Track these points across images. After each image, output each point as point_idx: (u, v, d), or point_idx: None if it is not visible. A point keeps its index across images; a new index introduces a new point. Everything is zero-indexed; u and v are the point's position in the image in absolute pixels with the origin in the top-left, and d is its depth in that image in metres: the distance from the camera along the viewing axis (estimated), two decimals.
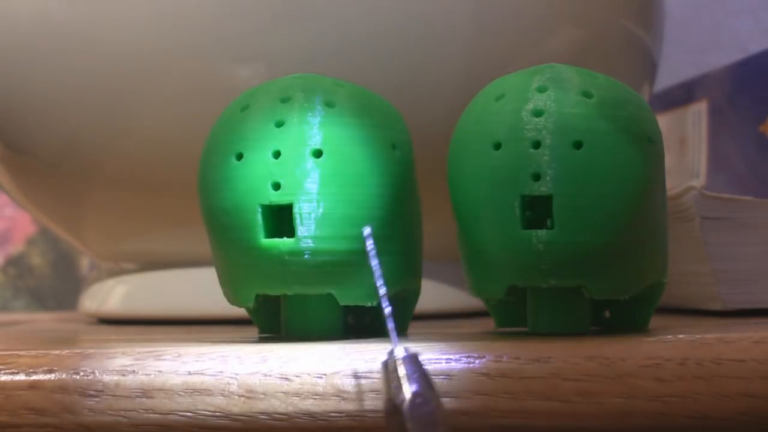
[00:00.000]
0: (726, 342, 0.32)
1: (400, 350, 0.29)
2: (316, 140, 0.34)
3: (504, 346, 0.32)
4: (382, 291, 0.31)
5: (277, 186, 0.34)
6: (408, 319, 0.37)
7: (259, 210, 0.34)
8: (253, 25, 0.45)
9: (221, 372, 0.31)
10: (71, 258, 0.82)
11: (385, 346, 0.32)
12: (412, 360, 0.29)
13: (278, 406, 0.31)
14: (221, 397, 0.31)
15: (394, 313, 0.37)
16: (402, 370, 0.29)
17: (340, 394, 0.31)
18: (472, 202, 0.34)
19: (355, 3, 0.45)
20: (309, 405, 0.31)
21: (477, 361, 0.31)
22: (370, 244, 0.32)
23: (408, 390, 0.28)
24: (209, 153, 0.35)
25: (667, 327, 0.37)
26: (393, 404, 0.28)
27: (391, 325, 0.30)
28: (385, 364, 0.29)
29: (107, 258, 0.54)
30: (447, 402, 0.31)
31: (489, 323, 0.42)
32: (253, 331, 0.39)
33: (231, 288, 0.36)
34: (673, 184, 0.59)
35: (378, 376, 0.31)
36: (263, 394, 0.31)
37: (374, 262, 0.31)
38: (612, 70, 0.43)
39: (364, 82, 0.37)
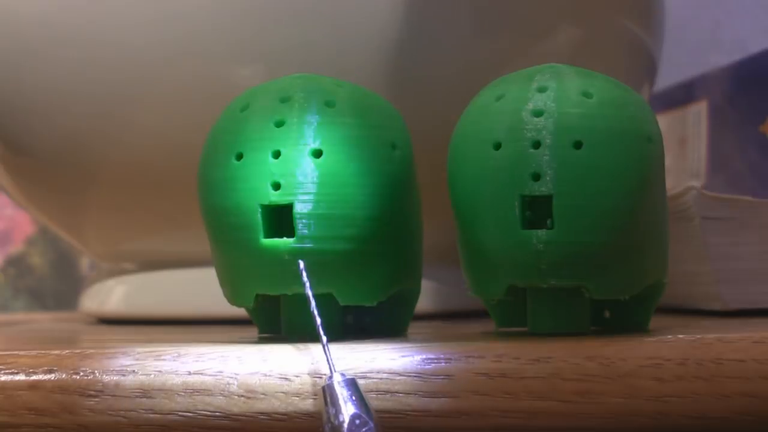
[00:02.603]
0: (726, 342, 0.32)
1: (337, 375, 0.30)
2: (316, 140, 0.34)
3: (504, 346, 0.32)
4: (318, 320, 0.31)
5: (277, 186, 0.34)
6: (408, 319, 0.37)
7: (259, 210, 0.34)
8: (253, 25, 0.45)
9: (221, 372, 0.31)
10: (71, 258, 0.82)
11: (386, 347, 0.32)
12: (350, 384, 0.30)
13: (278, 406, 0.31)
14: (221, 397, 0.31)
15: (393, 314, 0.37)
16: (340, 393, 0.30)
17: None
18: (472, 202, 0.34)
19: (354, 3, 0.45)
20: (309, 405, 0.31)
21: (477, 361, 0.31)
22: (304, 276, 0.33)
23: (347, 412, 0.29)
24: (209, 153, 0.35)
25: (667, 327, 0.37)
26: (332, 426, 0.30)
27: (328, 351, 0.31)
28: (323, 389, 0.30)
29: (107, 258, 0.54)
30: (447, 402, 0.31)
31: (489, 323, 0.42)
32: (253, 331, 0.39)
33: (231, 288, 0.36)
34: (673, 184, 0.59)
35: (378, 376, 0.31)
36: (263, 394, 0.31)
37: (309, 292, 0.33)
38: (612, 70, 0.43)
39: (364, 82, 0.37)
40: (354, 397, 0.30)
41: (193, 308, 0.49)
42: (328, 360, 0.31)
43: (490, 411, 0.31)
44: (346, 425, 0.29)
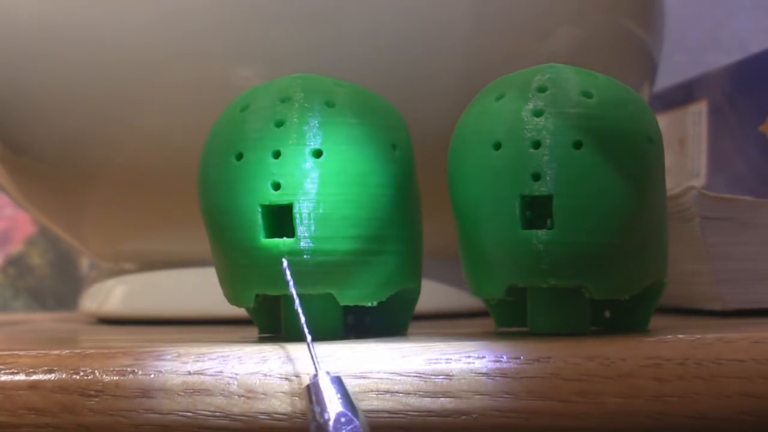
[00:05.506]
0: (726, 342, 0.32)
1: (322, 373, 0.30)
2: (316, 140, 0.34)
3: (504, 346, 0.32)
4: (302, 319, 0.32)
5: (277, 186, 0.34)
6: (408, 319, 0.37)
7: (259, 210, 0.34)
8: (254, 25, 0.45)
9: (221, 372, 0.31)
10: (71, 258, 0.82)
11: (386, 346, 0.32)
12: (336, 381, 0.30)
13: (278, 406, 0.31)
14: (221, 397, 0.31)
15: (393, 314, 0.37)
16: (326, 392, 0.30)
17: None
18: (472, 202, 0.34)
19: (355, 3, 0.45)
20: None
21: (477, 361, 0.31)
22: (288, 275, 0.33)
23: (333, 410, 0.29)
24: (209, 153, 0.35)
25: (667, 327, 0.37)
26: (318, 424, 0.29)
27: (312, 350, 0.31)
28: (308, 387, 0.30)
29: (107, 258, 0.54)
30: (447, 402, 0.31)
31: (489, 323, 0.42)
32: (253, 331, 0.39)
33: (231, 288, 0.36)
34: (673, 184, 0.59)
35: (378, 376, 0.31)
36: (263, 394, 0.31)
37: (292, 291, 0.33)
38: (612, 70, 0.43)
39: (364, 82, 0.37)
40: (339, 395, 0.30)
41: (193, 308, 0.49)
42: (312, 358, 0.31)
43: (490, 411, 0.31)
44: (331, 423, 0.29)
